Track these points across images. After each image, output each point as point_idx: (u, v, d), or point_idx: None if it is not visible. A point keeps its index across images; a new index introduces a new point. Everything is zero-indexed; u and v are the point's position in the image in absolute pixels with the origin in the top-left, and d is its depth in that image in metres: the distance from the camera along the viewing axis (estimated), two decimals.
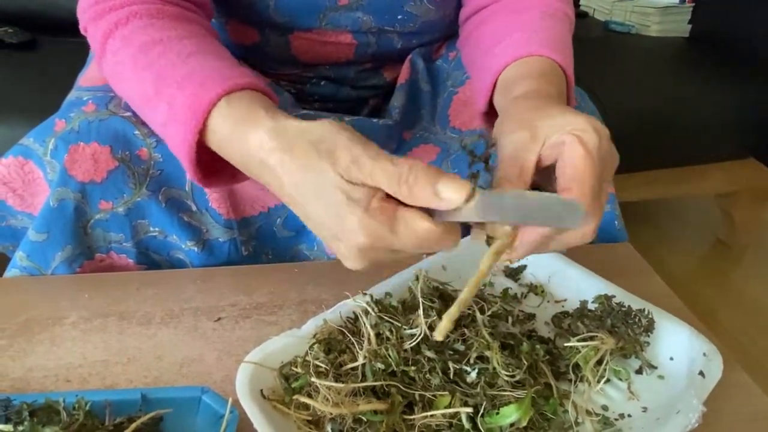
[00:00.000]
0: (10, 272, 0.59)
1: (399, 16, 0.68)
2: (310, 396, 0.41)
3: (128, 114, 0.57)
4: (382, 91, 0.79)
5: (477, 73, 0.61)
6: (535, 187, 0.41)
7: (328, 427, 0.40)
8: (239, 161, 0.43)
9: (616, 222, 0.66)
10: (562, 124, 0.40)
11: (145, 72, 0.47)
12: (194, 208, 0.61)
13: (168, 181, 0.59)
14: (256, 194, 0.62)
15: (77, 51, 0.86)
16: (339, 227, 0.37)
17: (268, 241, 0.65)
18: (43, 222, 0.57)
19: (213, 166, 0.47)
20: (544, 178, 0.42)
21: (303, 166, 0.38)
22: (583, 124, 0.40)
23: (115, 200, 0.58)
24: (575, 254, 0.59)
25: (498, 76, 0.55)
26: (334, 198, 0.37)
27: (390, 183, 0.36)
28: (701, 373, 0.45)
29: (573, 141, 0.39)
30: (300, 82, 0.75)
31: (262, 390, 0.42)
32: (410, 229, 0.36)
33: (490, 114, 0.57)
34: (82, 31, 0.55)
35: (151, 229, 0.60)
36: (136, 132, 0.57)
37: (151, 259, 0.62)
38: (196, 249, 0.61)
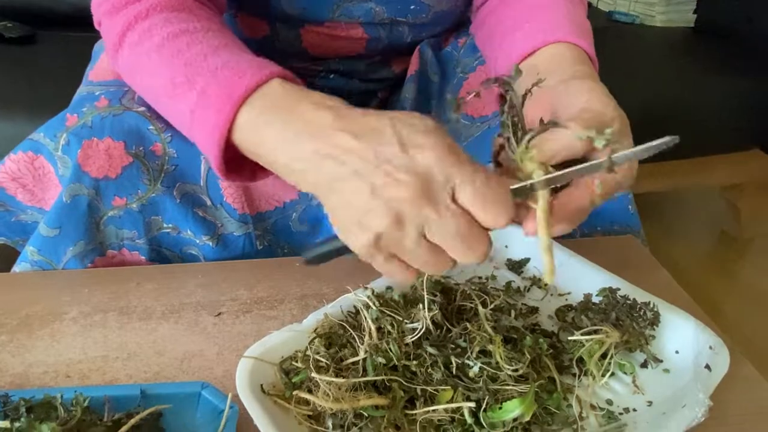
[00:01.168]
0: (21, 266, 0.59)
1: (411, 7, 0.68)
2: (310, 391, 0.41)
3: (142, 109, 0.56)
4: (390, 84, 0.79)
5: (497, 51, 0.59)
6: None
7: (329, 422, 0.40)
8: (281, 136, 0.41)
9: (629, 207, 0.66)
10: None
11: (173, 59, 0.46)
12: (209, 203, 0.60)
13: (183, 177, 0.59)
14: (272, 190, 0.62)
15: (78, 45, 0.86)
16: (382, 167, 0.35)
17: (283, 235, 0.65)
18: (55, 217, 0.57)
19: (235, 162, 0.46)
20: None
21: (367, 115, 0.38)
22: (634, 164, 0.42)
23: (129, 196, 0.58)
24: (579, 247, 0.58)
25: (525, 56, 0.53)
26: (394, 133, 0.36)
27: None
28: (707, 367, 0.45)
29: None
30: (309, 76, 0.75)
31: (262, 385, 0.42)
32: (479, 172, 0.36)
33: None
34: (96, 26, 0.54)
35: (165, 225, 0.60)
36: (150, 127, 0.56)
37: (163, 255, 0.62)
38: (210, 243, 0.61)
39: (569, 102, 0.43)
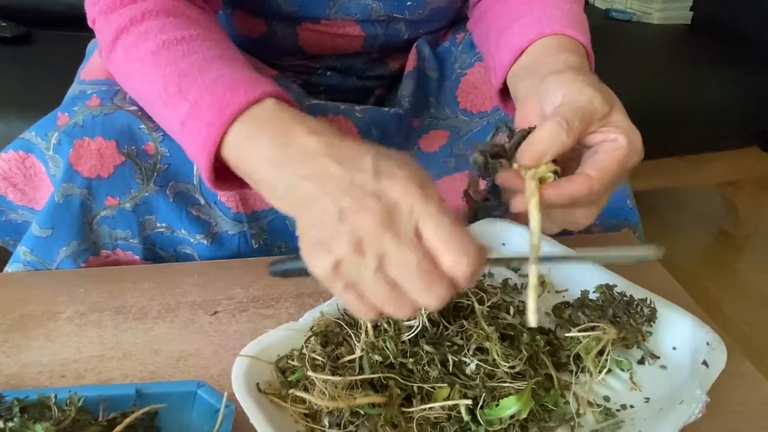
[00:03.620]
0: (13, 266, 0.59)
1: (408, 3, 0.67)
2: (306, 389, 0.41)
3: (134, 108, 0.56)
4: (388, 81, 0.78)
5: (493, 50, 0.59)
6: None
7: (326, 421, 0.40)
8: (270, 156, 0.40)
9: (628, 200, 0.66)
10: (628, 126, 0.42)
11: (167, 68, 0.46)
12: (203, 201, 0.60)
13: (176, 176, 0.58)
14: None
15: (73, 44, 0.85)
16: (353, 192, 0.35)
17: (280, 234, 0.64)
18: (47, 217, 0.56)
19: (225, 172, 0.46)
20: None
21: (353, 145, 0.38)
22: (637, 139, 0.42)
23: (122, 196, 0.57)
24: (576, 244, 0.58)
25: (521, 52, 0.53)
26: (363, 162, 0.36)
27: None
28: (704, 363, 0.45)
29: (623, 147, 0.41)
30: (306, 73, 0.74)
31: (258, 384, 0.42)
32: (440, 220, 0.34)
33: (504, 92, 0.57)
34: (90, 24, 0.54)
35: (158, 224, 0.60)
36: (142, 126, 0.56)
37: (158, 255, 0.62)
38: (205, 242, 0.61)
39: (549, 98, 0.43)
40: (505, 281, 0.55)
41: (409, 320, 0.45)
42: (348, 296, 0.36)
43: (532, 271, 0.38)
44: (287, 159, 0.39)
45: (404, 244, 0.34)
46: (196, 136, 0.43)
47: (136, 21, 0.49)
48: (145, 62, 0.48)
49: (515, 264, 0.39)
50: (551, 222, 0.42)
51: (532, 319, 0.38)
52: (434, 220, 0.34)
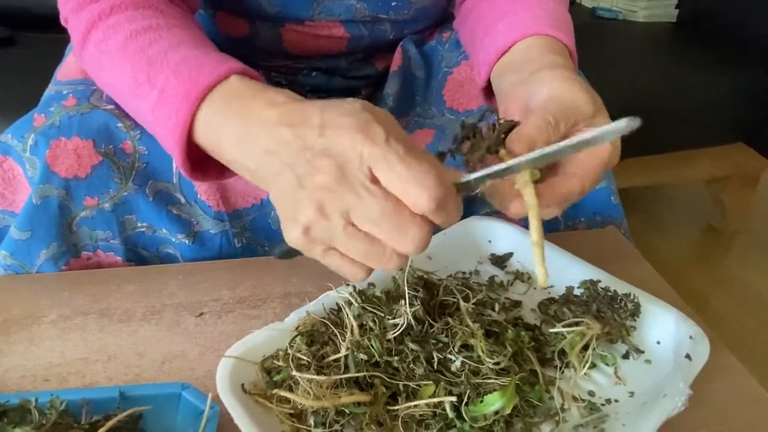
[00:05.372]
0: None
1: (393, 3, 0.67)
2: (291, 389, 0.41)
3: (111, 107, 0.56)
4: (374, 81, 0.78)
5: (478, 48, 0.60)
6: None
7: (311, 420, 0.40)
8: (236, 134, 0.40)
9: (612, 197, 0.67)
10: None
11: (135, 57, 0.46)
12: (183, 200, 0.60)
13: (154, 174, 0.58)
14: (246, 187, 0.61)
15: (56, 47, 0.85)
16: (305, 155, 0.35)
17: (263, 233, 0.64)
18: (26, 220, 0.56)
19: (201, 161, 0.46)
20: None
21: (307, 105, 0.38)
22: (618, 140, 0.43)
23: (101, 196, 0.57)
24: (562, 240, 0.58)
25: (505, 51, 0.54)
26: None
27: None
28: (688, 356, 0.45)
29: (607, 149, 0.42)
30: (291, 73, 0.74)
31: (243, 384, 0.41)
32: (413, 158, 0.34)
33: (489, 90, 0.57)
34: (63, 23, 0.54)
35: (139, 224, 0.59)
36: (119, 125, 0.56)
37: (140, 255, 0.61)
38: (186, 242, 0.60)
39: (538, 92, 0.44)
40: (492, 278, 0.56)
41: (394, 318, 0.45)
42: (331, 260, 0.37)
43: (534, 228, 0.39)
44: (251, 135, 0.39)
45: (363, 194, 0.34)
46: (165, 123, 0.43)
47: (105, 15, 0.49)
48: (114, 54, 0.48)
49: (490, 178, 0.37)
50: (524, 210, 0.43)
51: (541, 277, 0.38)
52: (384, 161, 0.33)
